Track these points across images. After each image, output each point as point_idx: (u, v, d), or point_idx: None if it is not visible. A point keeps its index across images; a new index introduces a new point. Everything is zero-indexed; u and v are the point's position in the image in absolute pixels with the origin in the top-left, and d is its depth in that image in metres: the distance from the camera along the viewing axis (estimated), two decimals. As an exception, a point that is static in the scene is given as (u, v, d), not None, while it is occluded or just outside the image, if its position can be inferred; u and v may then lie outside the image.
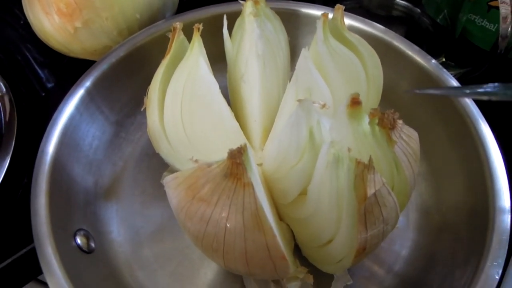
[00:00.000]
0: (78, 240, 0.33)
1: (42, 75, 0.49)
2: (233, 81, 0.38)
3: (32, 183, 0.32)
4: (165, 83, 0.34)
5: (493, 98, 0.25)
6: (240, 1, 0.38)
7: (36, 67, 0.50)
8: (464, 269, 0.31)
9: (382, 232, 0.26)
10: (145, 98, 0.34)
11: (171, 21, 0.41)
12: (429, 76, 0.38)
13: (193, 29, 0.35)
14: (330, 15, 0.35)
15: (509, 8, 0.37)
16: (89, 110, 0.38)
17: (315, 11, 0.43)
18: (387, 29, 0.41)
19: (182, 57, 0.35)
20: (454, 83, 0.37)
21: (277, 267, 0.27)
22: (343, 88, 0.34)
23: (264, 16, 0.37)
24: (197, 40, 0.35)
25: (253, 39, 0.36)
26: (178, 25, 0.35)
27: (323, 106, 0.31)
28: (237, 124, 0.35)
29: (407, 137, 0.27)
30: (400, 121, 0.26)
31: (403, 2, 0.54)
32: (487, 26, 0.44)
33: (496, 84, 0.25)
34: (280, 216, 0.33)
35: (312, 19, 0.43)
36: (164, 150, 0.33)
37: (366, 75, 0.34)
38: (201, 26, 0.35)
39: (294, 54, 0.40)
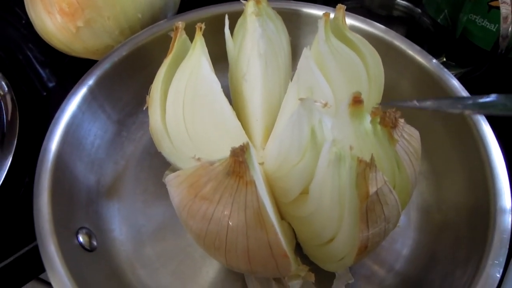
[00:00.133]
0: (80, 238, 0.33)
1: (43, 74, 0.49)
2: (235, 80, 0.38)
3: (35, 181, 0.32)
4: (167, 82, 0.34)
5: (492, 111, 0.25)
6: (242, 1, 0.38)
7: (38, 66, 0.50)
8: (465, 268, 0.31)
9: (384, 230, 0.26)
10: (147, 97, 0.34)
11: (173, 20, 0.41)
12: (430, 76, 0.38)
13: (195, 28, 0.35)
14: (332, 15, 0.35)
15: (510, 8, 0.37)
16: (91, 108, 0.38)
17: (317, 11, 0.43)
18: (388, 29, 0.41)
19: (184, 57, 0.35)
20: (455, 82, 0.37)
21: (279, 265, 0.27)
22: (344, 87, 0.34)
23: (266, 15, 0.37)
24: (199, 39, 0.35)
25: (255, 39, 0.36)
26: (180, 24, 0.35)
27: (325, 105, 0.31)
28: (239, 123, 0.35)
29: (409, 135, 0.27)
30: (401, 120, 0.26)
31: (404, 2, 0.54)
32: (487, 26, 0.44)
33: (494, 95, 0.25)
34: (281, 215, 0.33)
35: (314, 18, 0.43)
36: (166, 149, 0.33)
37: (367, 74, 0.34)
38: (203, 26, 0.35)
39: (295, 54, 0.40)
